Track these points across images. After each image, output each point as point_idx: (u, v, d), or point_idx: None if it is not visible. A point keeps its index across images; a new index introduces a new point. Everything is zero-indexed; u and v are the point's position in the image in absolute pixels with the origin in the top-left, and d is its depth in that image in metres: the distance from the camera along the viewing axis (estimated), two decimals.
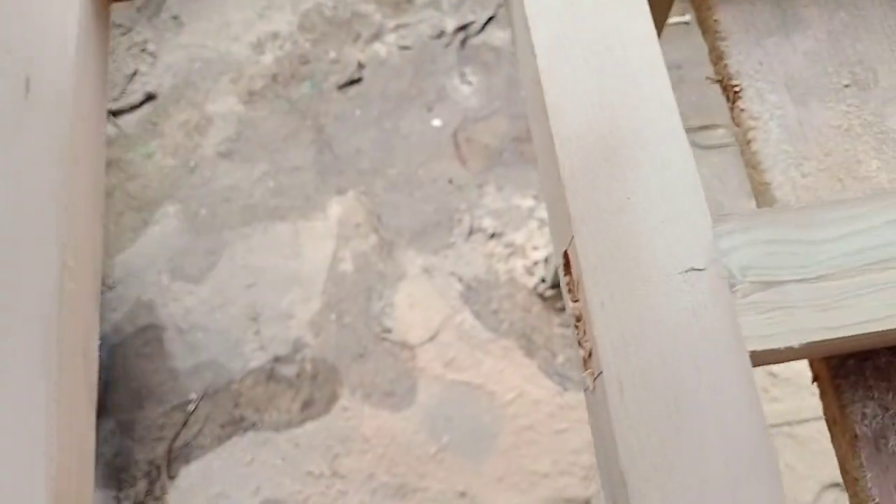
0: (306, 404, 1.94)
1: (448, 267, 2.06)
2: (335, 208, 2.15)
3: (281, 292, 2.05)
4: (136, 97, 2.30)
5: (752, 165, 0.69)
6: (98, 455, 1.88)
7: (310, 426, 1.92)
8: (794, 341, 0.53)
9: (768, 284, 0.54)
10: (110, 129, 2.25)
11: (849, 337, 0.52)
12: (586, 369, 0.54)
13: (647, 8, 0.63)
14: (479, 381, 1.94)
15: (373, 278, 2.06)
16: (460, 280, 2.05)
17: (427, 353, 1.97)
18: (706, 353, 0.52)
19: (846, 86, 0.71)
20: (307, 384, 1.96)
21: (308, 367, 1.97)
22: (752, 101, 0.71)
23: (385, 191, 2.17)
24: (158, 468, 1.89)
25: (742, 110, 0.71)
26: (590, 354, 0.55)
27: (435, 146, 2.20)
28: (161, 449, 1.91)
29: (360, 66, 2.33)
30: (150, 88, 2.34)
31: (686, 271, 0.54)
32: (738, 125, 0.72)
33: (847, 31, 0.73)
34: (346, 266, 2.07)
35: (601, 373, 0.51)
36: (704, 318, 0.53)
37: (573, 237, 0.54)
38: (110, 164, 2.21)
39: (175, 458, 1.90)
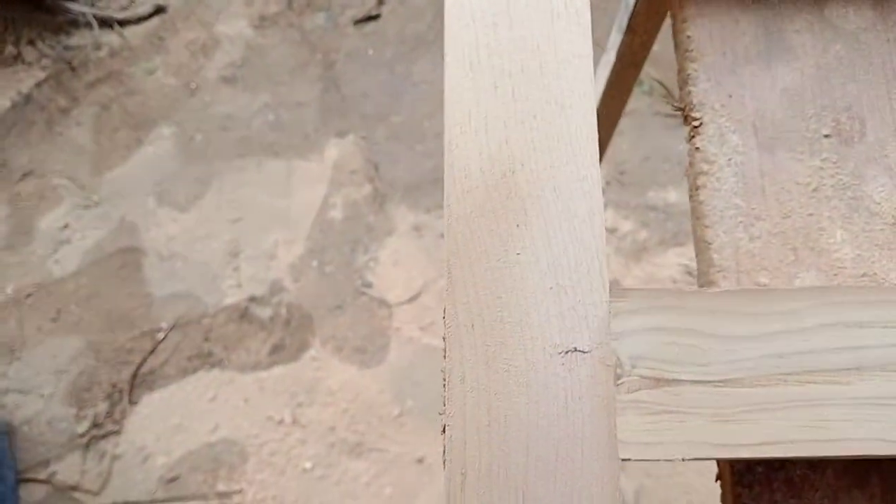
0: (276, 348, 1.90)
1: (439, 227, 1.98)
2: (332, 151, 2.07)
3: (265, 231, 2.00)
4: (146, 8, 2.21)
5: (696, 216, 0.60)
6: (62, 372, 1.87)
7: (277, 371, 1.88)
8: (679, 454, 0.45)
9: (660, 381, 0.46)
10: (114, 40, 2.17)
11: (748, 459, 0.44)
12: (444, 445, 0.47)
13: (586, 21, 0.53)
14: None
15: (361, 230, 1.99)
16: None
17: (405, 313, 1.91)
18: (570, 456, 0.44)
19: (825, 136, 0.61)
20: (279, 328, 1.92)
21: (283, 311, 1.93)
22: (711, 140, 0.61)
23: (386, 139, 2.08)
24: (121, 392, 1.88)
25: (697, 149, 0.61)
26: (443, 430, 0.47)
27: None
28: (126, 373, 1.89)
29: (380, 1, 2.21)
30: (160, 0, 2.25)
31: (567, 352, 0.46)
32: (690, 165, 0.62)
33: (840, 67, 0.63)
34: (336, 213, 2.00)
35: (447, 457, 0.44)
36: (576, 413, 0.45)
37: (447, 290, 0.46)
38: (110, 76, 2.14)
39: (139, 385, 1.89)
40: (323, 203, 2.03)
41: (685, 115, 0.64)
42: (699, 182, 0.60)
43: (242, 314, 1.94)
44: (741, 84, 0.62)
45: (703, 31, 0.64)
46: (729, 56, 0.63)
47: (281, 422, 1.85)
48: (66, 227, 2.04)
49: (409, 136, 2.07)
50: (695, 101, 0.62)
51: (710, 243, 0.57)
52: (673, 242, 1.92)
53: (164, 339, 1.91)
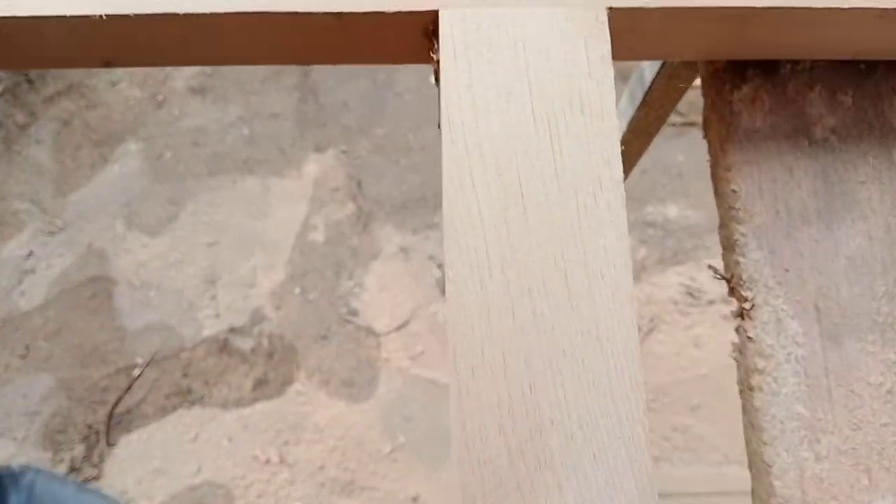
0: (259, 383, 1.81)
1: (427, 249, 1.88)
2: (312, 167, 1.94)
3: (243, 256, 1.88)
4: None
5: (751, 425, 0.50)
6: (35, 413, 1.77)
7: (260, 407, 1.79)
8: None
9: None
10: None
11: None
12: None
13: (622, 219, 0.43)
14: (446, 381, 1.79)
15: (344, 253, 1.88)
16: (439, 266, 1.87)
17: (393, 342, 1.81)
18: None
19: None
20: (262, 361, 1.82)
21: (265, 342, 1.83)
22: (766, 328, 0.51)
23: (369, 153, 1.96)
24: (98, 433, 1.78)
25: (750, 338, 0.51)
26: None
27: (430, 109, 1.97)
28: (102, 413, 1.79)
29: None
30: None
31: None
32: (741, 354, 0.52)
33: None
34: (317, 235, 1.89)
35: None
36: None
37: None
38: (70, 89, 1.99)
39: (116, 425, 1.79)
40: (303, 224, 1.91)
41: (731, 287, 0.54)
42: (753, 382, 0.50)
43: (222, 347, 1.84)
44: (799, 252, 0.52)
45: (751, 184, 0.53)
46: (783, 216, 0.53)
47: (267, 461, 1.76)
48: (30, 255, 1.91)
49: (394, 150, 1.94)
50: (745, 277, 0.52)
51: (769, 466, 0.48)
52: (673, 261, 1.83)
53: (139, 375, 1.81)
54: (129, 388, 1.80)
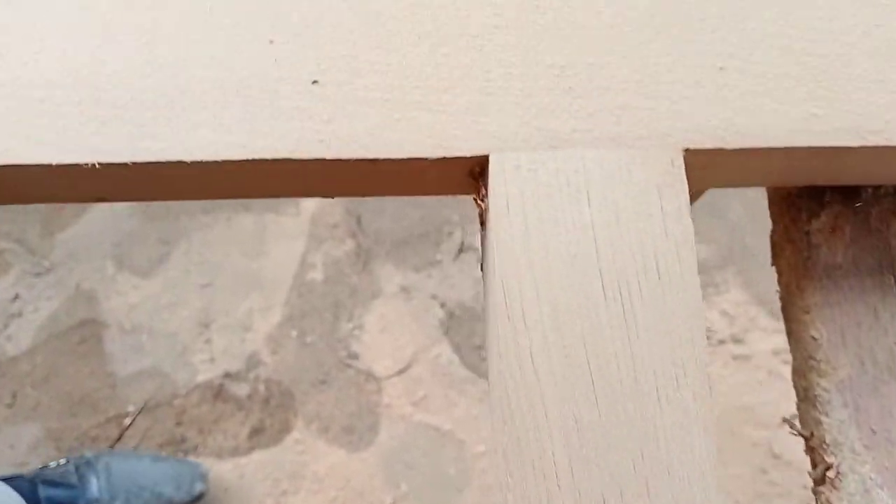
0: (255, 431, 1.74)
1: (430, 288, 1.82)
2: (309, 202, 1.88)
3: (239, 297, 1.81)
4: None
5: None
6: (23, 465, 1.69)
7: (257, 456, 1.72)
8: None
9: None
10: None
11: None
12: None
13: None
14: (449, 427, 1.73)
15: (343, 293, 1.82)
16: (442, 305, 1.81)
17: (395, 387, 1.75)
18: None
19: None
20: (258, 408, 1.75)
21: (261, 388, 1.76)
22: (853, 500, 0.45)
23: None
24: None
25: None
26: None
27: None
28: None
29: None
30: None
31: None
32: None
33: None
34: (315, 274, 1.82)
35: None
36: None
37: None
38: None
39: None
40: (301, 263, 1.85)
41: (810, 445, 0.48)
42: None
43: (217, 393, 1.77)
44: (888, 411, 0.46)
45: (833, 330, 0.47)
46: (869, 367, 0.47)
47: None
48: (16, 297, 1.84)
49: None
50: (828, 439, 0.46)
51: None
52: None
53: (130, 424, 1.74)
54: (119, 437, 1.73)
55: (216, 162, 0.40)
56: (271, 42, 0.41)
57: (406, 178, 0.43)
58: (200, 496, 1.62)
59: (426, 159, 0.40)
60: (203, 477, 1.61)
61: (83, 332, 1.80)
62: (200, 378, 1.76)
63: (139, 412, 1.73)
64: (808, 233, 0.49)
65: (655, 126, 0.40)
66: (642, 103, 0.41)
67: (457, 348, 1.79)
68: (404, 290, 1.81)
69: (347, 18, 0.41)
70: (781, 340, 1.82)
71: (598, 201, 0.40)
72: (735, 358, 1.79)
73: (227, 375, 1.76)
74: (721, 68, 0.41)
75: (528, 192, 0.40)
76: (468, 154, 0.40)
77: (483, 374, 1.77)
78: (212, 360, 1.77)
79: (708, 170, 0.44)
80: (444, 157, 0.40)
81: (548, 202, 0.39)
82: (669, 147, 0.40)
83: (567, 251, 0.39)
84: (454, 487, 1.70)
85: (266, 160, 0.40)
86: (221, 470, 1.71)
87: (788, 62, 0.42)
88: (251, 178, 0.42)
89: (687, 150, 0.40)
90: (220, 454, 1.73)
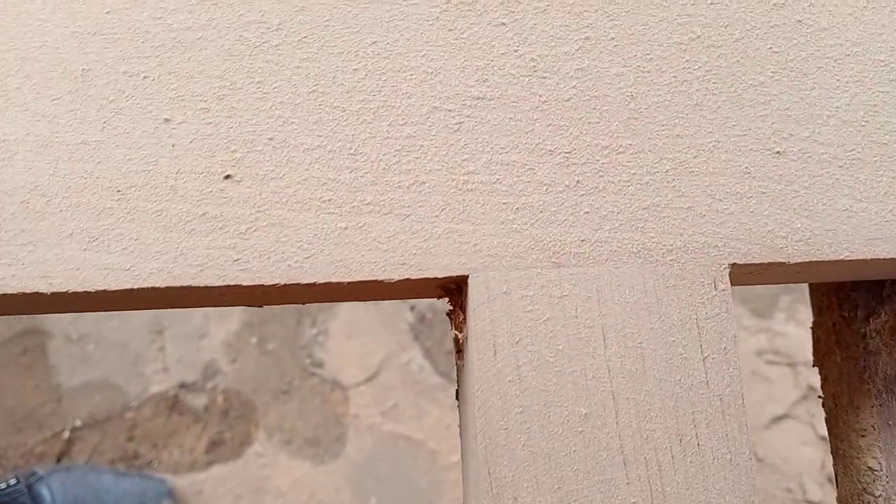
0: (214, 444, 1.63)
1: None
2: None
3: None
4: None
5: None
6: None
7: (216, 471, 1.62)
8: None
9: None
10: None
11: None
12: None
13: None
14: (421, 437, 1.64)
15: None
16: (412, 309, 1.71)
17: (362, 396, 1.65)
18: None
19: None
20: (217, 420, 1.64)
21: (219, 399, 1.65)
22: None
23: None
24: None
25: None
26: None
27: None
28: None
29: None
30: None
31: None
32: None
33: None
34: None
35: None
36: None
37: None
38: None
39: None
40: None
41: None
42: None
43: (172, 405, 1.65)
44: None
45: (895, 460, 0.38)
46: None
47: None
48: None
49: None
50: None
51: None
52: None
53: (69, 438, 1.62)
54: (65, 453, 1.61)
55: (88, 293, 0.28)
56: (167, 121, 0.29)
57: (359, 293, 0.32)
58: None
59: (381, 282, 0.29)
60: (169, 494, 1.51)
61: (25, 343, 1.67)
62: (154, 389, 1.65)
63: (87, 426, 1.61)
64: (864, 335, 0.39)
65: (693, 233, 0.30)
66: (675, 202, 0.30)
67: (428, 354, 1.69)
68: None
69: (274, 87, 0.30)
70: (765, 340, 1.75)
71: (616, 341, 0.29)
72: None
73: (183, 386, 1.65)
74: (778, 153, 0.31)
75: (523, 328, 0.29)
76: (439, 275, 0.29)
77: (455, 382, 1.67)
78: (165, 370, 1.65)
79: (751, 278, 0.33)
80: (408, 279, 0.29)
81: (549, 342, 0.29)
82: (712, 262, 0.30)
83: (576, 413, 0.28)
84: (426, 500, 1.62)
85: (157, 289, 0.28)
86: (178, 486, 1.60)
87: (864, 142, 0.31)
88: (142, 303, 0.31)
89: (735, 266, 0.30)
90: (176, 469, 1.62)
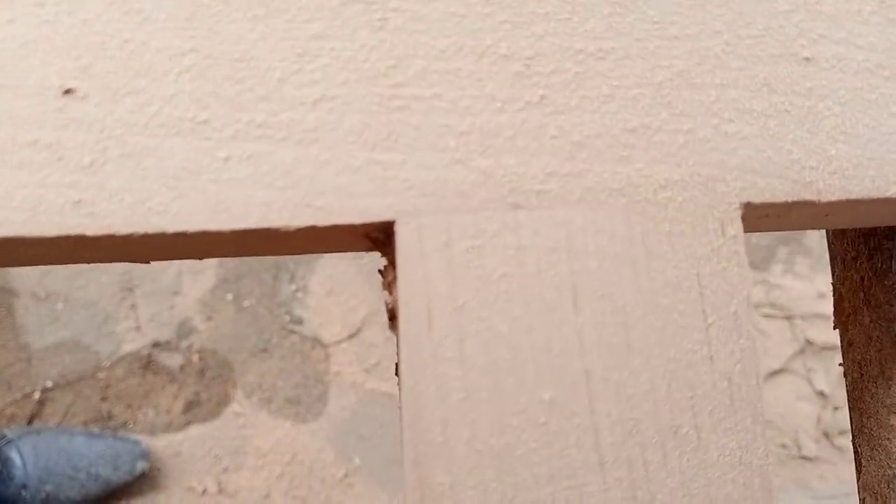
0: (191, 404, 1.58)
1: None
2: None
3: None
4: None
5: None
6: None
7: (194, 431, 1.57)
8: None
9: None
10: None
11: None
12: None
13: None
14: None
15: None
16: None
17: (344, 353, 1.59)
18: None
19: None
20: (193, 380, 1.58)
21: (195, 358, 1.59)
22: None
23: None
24: None
25: None
26: None
27: None
28: None
29: None
30: None
31: None
32: None
33: None
34: None
35: None
36: None
37: None
38: None
39: None
40: None
41: None
42: None
43: (146, 364, 1.59)
44: None
45: None
46: None
47: (204, 492, 1.55)
48: None
49: None
50: None
51: None
52: None
53: (48, 400, 1.56)
54: (35, 414, 1.56)
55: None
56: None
57: (250, 245, 0.24)
58: (142, 476, 1.47)
59: (276, 230, 0.22)
60: (145, 455, 1.46)
61: None
62: (126, 348, 1.58)
63: (58, 386, 1.55)
64: None
65: (694, 164, 0.22)
66: (671, 123, 0.23)
67: None
68: None
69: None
70: (761, 293, 1.69)
71: (591, 305, 0.22)
72: None
73: (157, 345, 1.59)
74: (806, 59, 0.23)
75: (467, 290, 0.22)
76: (355, 221, 0.22)
77: None
78: (137, 328, 1.59)
79: (766, 222, 0.26)
80: (313, 227, 0.22)
81: (502, 307, 0.22)
82: (719, 201, 0.23)
83: (537, 399, 0.21)
84: None
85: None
86: (155, 447, 1.55)
87: None
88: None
89: (749, 207, 0.23)
90: (152, 430, 1.57)
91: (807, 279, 1.69)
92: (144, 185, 0.21)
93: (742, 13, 0.23)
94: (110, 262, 0.24)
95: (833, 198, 0.23)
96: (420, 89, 0.22)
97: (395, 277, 0.23)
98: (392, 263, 0.23)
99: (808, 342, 1.63)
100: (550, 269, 0.22)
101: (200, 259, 0.27)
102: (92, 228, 0.21)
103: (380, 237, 0.23)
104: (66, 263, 0.24)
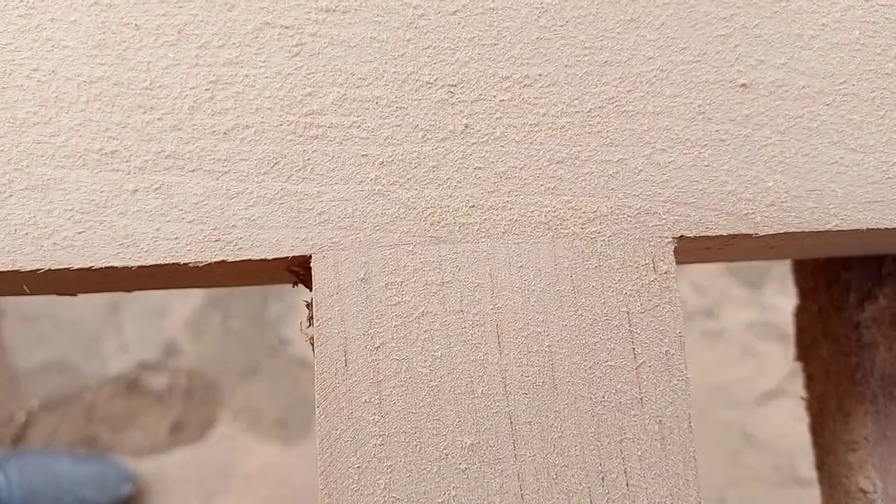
0: (177, 427, 1.56)
1: None
2: None
3: None
4: None
5: None
6: None
7: (180, 455, 1.55)
8: None
9: None
10: None
11: None
12: None
13: None
14: None
15: None
16: None
17: None
18: None
19: None
20: (179, 401, 1.57)
21: (182, 379, 1.57)
22: None
23: None
24: None
25: None
26: None
27: None
28: None
29: None
30: None
31: None
32: None
33: None
34: None
35: None
36: None
37: None
38: None
39: None
40: None
41: None
42: None
43: (132, 386, 1.57)
44: None
45: (892, 482, 0.30)
46: None
47: None
48: None
49: None
50: None
51: None
52: None
53: (34, 422, 1.54)
54: (21, 436, 1.54)
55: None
56: None
57: (159, 280, 0.23)
58: (128, 499, 1.45)
59: (184, 266, 0.21)
60: (130, 478, 1.44)
61: None
62: (113, 369, 1.57)
63: (43, 408, 1.54)
64: (857, 325, 0.31)
65: (624, 196, 0.22)
66: (601, 153, 0.22)
67: None
68: None
69: None
70: (755, 313, 1.68)
71: (516, 344, 0.21)
72: (706, 334, 1.65)
73: (143, 366, 1.57)
74: (743, 85, 0.22)
75: (386, 328, 0.21)
76: (268, 255, 0.21)
77: None
78: (124, 349, 1.57)
79: (707, 254, 0.25)
80: (223, 262, 0.21)
81: (422, 347, 0.21)
82: (650, 235, 0.22)
83: (458, 445, 0.20)
84: None
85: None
86: (141, 470, 1.53)
87: (858, 71, 0.23)
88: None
89: (682, 240, 0.22)
90: (138, 453, 1.55)
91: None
92: (50, 219, 0.20)
93: (676, 38, 0.23)
94: (27, 294, 0.23)
95: (771, 231, 0.22)
96: (338, 117, 0.21)
97: (312, 315, 0.22)
98: (313, 304, 0.22)
99: None
100: (473, 307, 0.21)
101: (107, 291, 0.26)
102: None
103: (301, 272, 0.22)
104: None
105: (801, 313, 0.34)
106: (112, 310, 1.57)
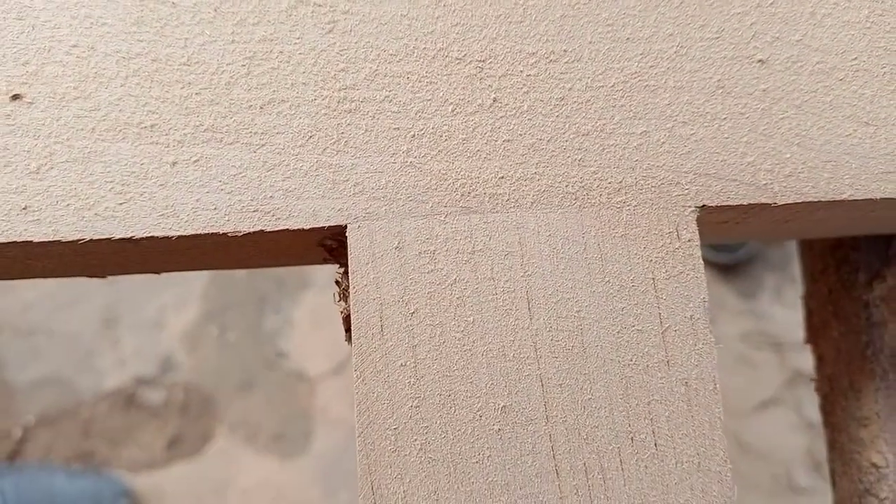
0: (174, 441, 1.55)
1: None
2: None
3: (148, 291, 1.60)
4: None
5: None
6: None
7: (177, 470, 1.54)
8: None
9: None
10: None
11: None
12: None
13: None
14: None
15: (269, 284, 1.62)
16: None
17: (329, 388, 1.58)
18: None
19: None
20: (176, 416, 1.56)
21: (179, 394, 1.57)
22: None
23: None
24: None
25: None
26: None
27: None
28: None
29: None
30: None
31: None
32: None
33: None
34: None
35: None
36: None
37: None
38: None
39: None
40: None
41: None
42: None
43: (129, 401, 1.57)
44: None
45: None
46: None
47: None
48: None
49: None
50: None
51: None
52: None
53: (30, 438, 1.53)
54: (17, 452, 1.53)
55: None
56: None
57: (199, 253, 0.24)
58: None
59: (224, 235, 0.21)
60: (126, 493, 1.43)
61: None
62: (109, 384, 1.56)
63: (39, 423, 1.53)
64: (866, 304, 0.32)
65: (649, 167, 0.22)
66: (625, 126, 0.22)
67: None
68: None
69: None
70: (750, 323, 1.69)
71: (546, 310, 0.21)
72: None
73: (140, 381, 1.56)
74: (760, 61, 0.23)
75: (420, 295, 0.21)
76: (305, 225, 0.21)
77: None
78: (121, 363, 1.57)
79: (726, 228, 0.26)
80: (261, 232, 0.21)
81: (455, 312, 0.21)
82: (674, 204, 0.22)
83: (491, 406, 0.21)
84: None
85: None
86: (137, 485, 1.52)
87: (870, 48, 0.24)
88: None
89: (704, 210, 0.22)
90: (134, 468, 1.54)
91: (795, 308, 1.69)
92: (91, 191, 0.21)
93: (695, 15, 0.24)
94: (54, 274, 0.23)
95: (789, 200, 0.23)
96: (370, 92, 0.22)
97: (348, 286, 0.23)
98: (347, 272, 0.23)
99: (798, 372, 1.62)
100: (504, 274, 0.21)
101: (158, 273, 0.27)
102: (39, 235, 0.20)
103: (334, 245, 0.23)
104: (15, 277, 0.24)
105: (810, 297, 0.34)
106: (108, 324, 1.57)
